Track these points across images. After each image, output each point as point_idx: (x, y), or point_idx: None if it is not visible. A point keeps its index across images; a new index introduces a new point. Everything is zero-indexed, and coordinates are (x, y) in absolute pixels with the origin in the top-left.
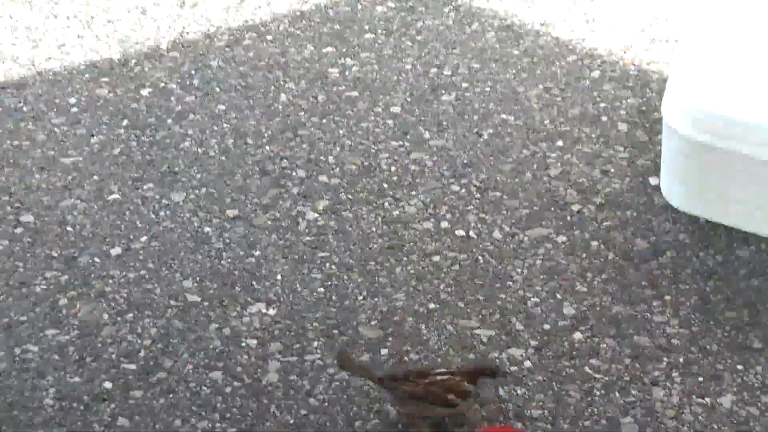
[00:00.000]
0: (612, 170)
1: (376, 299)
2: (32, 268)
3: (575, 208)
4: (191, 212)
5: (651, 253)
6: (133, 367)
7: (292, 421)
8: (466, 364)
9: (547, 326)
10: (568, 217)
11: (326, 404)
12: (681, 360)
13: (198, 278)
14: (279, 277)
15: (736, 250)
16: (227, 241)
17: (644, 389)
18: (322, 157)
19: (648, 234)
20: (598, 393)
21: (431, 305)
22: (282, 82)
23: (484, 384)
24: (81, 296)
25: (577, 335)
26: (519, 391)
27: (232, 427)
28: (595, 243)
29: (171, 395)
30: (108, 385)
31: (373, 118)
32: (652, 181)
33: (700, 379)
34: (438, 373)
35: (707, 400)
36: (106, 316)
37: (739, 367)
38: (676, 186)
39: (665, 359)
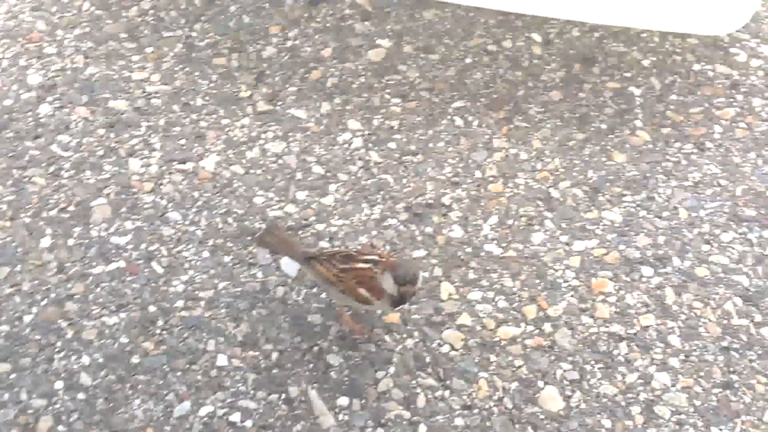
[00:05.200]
0: None
1: None
2: None
3: None
4: None
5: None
6: None
7: None
8: (395, 258)
9: (8, 102)
10: None
11: None
12: (162, 122)
13: None
14: None
15: None
16: None
17: (120, 162)
18: None
19: None
20: (66, 174)
21: None
22: None
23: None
24: None
25: (45, 108)
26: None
27: None
28: None
29: None
30: None
31: None
32: None
33: (182, 141)
34: (362, 260)
35: (189, 165)
36: None
37: (225, 122)
38: None
39: (144, 124)
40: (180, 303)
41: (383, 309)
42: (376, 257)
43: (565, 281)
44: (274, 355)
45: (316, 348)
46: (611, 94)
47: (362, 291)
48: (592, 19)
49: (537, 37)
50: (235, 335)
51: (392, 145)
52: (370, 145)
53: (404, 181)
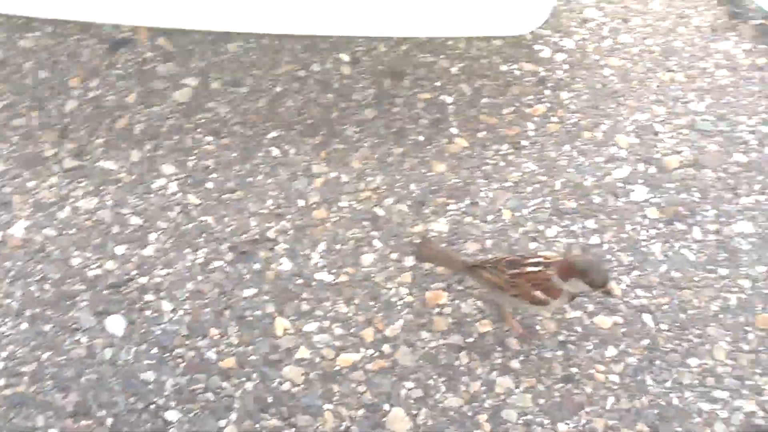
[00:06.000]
0: None
1: None
2: None
3: None
4: None
5: None
6: None
7: None
8: (563, 258)
9: None
10: None
11: None
12: None
13: None
14: None
15: None
16: None
17: None
18: None
19: None
20: None
21: None
22: None
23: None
24: None
25: None
26: None
27: None
28: None
29: None
30: None
31: None
32: None
33: None
34: (529, 264)
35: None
36: None
37: (31, 184)
38: None
39: None
40: (1, 381)
41: (559, 306)
42: (541, 259)
43: (400, 299)
44: (109, 421)
45: (152, 406)
46: (424, 104)
47: (538, 293)
48: (397, 33)
49: (345, 57)
50: (64, 406)
51: (210, 184)
52: (186, 187)
53: (226, 220)
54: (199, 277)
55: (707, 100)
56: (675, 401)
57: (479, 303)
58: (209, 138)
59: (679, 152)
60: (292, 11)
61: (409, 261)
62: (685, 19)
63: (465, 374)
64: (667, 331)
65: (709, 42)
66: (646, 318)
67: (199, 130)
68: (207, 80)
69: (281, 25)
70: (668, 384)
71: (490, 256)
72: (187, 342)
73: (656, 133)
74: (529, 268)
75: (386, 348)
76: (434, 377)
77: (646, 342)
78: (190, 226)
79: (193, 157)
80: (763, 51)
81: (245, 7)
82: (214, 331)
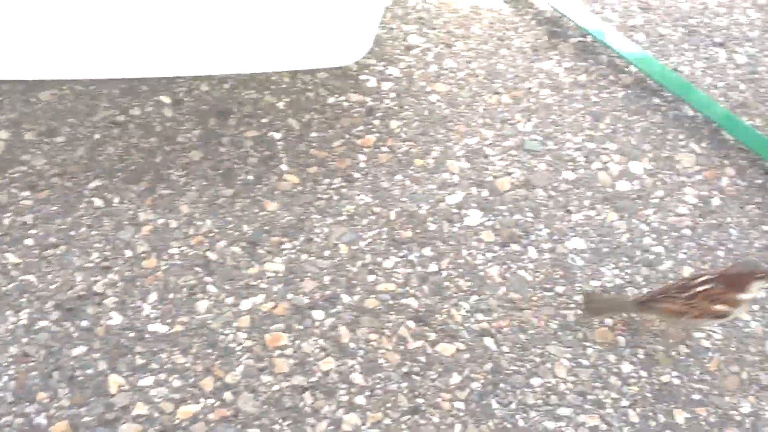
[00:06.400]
0: None
1: None
2: None
3: None
4: None
5: None
6: None
7: None
8: (727, 269)
9: None
10: None
11: None
12: None
13: None
14: None
15: None
16: None
17: None
18: None
19: None
20: None
21: None
22: None
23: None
24: None
25: None
26: None
27: None
28: None
29: None
30: None
31: None
32: None
33: None
34: (698, 283)
35: None
36: None
37: None
38: None
39: None
40: None
41: (739, 315)
42: (707, 276)
43: (239, 344)
44: None
45: None
46: (252, 143)
47: (719, 307)
48: (219, 71)
49: (166, 98)
50: None
51: (29, 241)
52: (4, 246)
53: (49, 277)
54: (24, 339)
55: (534, 120)
56: (521, 422)
57: (321, 341)
58: (26, 192)
59: (510, 174)
60: (105, 55)
61: (247, 304)
62: (507, 41)
63: (310, 415)
64: (509, 353)
65: (532, 62)
66: (488, 342)
67: (14, 184)
68: (20, 132)
69: (95, 70)
70: (513, 406)
71: (656, 289)
72: (13, 409)
73: (486, 156)
74: (701, 288)
75: (227, 396)
76: (279, 421)
77: (489, 366)
78: (11, 286)
79: (9, 214)
80: (584, 68)
81: (54, 53)
82: (42, 395)
